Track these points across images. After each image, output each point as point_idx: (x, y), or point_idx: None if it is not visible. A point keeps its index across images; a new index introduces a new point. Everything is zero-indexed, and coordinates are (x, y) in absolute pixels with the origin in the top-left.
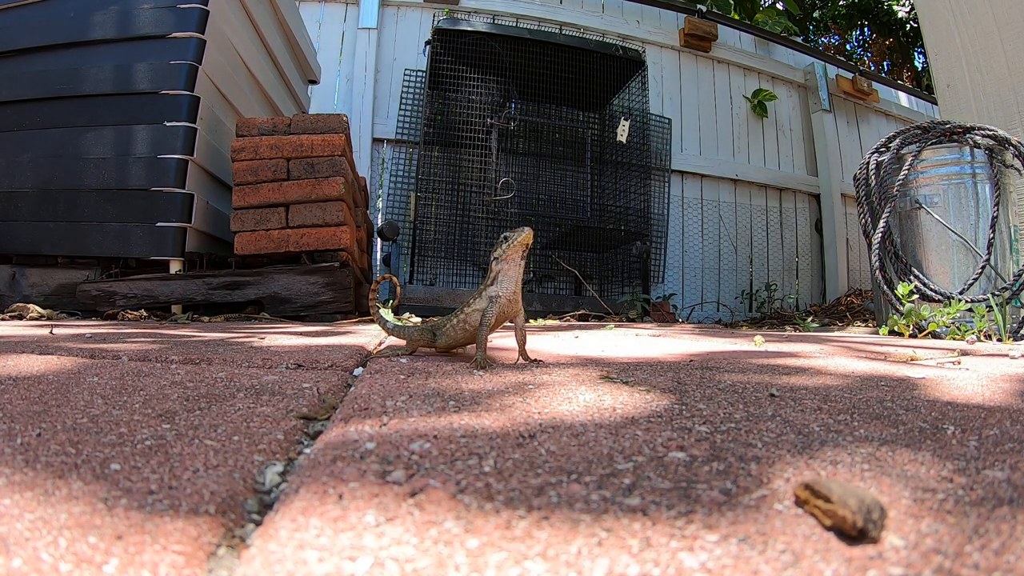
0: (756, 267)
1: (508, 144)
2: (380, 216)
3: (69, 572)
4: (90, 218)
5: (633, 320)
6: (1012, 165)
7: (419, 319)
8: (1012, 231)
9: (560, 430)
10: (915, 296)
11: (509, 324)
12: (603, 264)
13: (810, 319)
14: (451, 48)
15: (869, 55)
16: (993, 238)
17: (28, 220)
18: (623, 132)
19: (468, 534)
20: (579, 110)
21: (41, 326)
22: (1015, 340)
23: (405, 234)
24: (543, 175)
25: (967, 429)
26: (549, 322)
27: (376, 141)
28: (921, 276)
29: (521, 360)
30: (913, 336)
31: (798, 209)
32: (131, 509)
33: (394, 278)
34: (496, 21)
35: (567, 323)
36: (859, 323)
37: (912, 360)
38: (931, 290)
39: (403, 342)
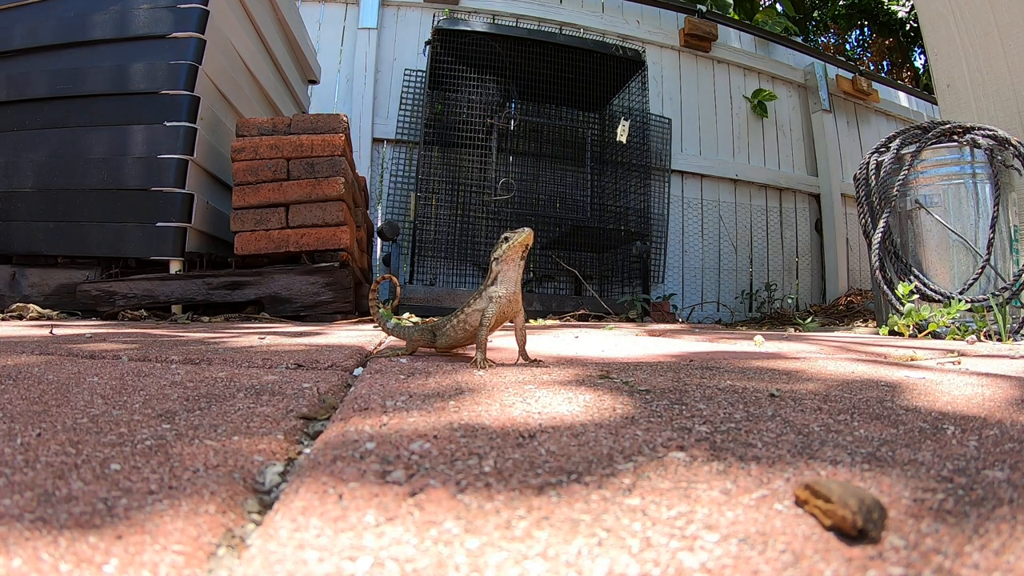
0: (756, 267)
1: (508, 144)
2: (380, 216)
3: (69, 572)
4: (90, 218)
5: (633, 320)
6: (1012, 165)
7: (419, 319)
8: (1012, 231)
9: (560, 430)
10: (915, 296)
11: (509, 324)
12: (603, 264)
13: (810, 319)
14: (451, 48)
15: (869, 55)
16: (993, 238)
17: (28, 220)
18: (623, 132)
19: (468, 534)
20: (579, 110)
21: (41, 326)
22: (1015, 340)
23: (405, 234)
24: (543, 175)
25: (967, 429)
26: (549, 322)
27: (376, 141)
28: (921, 276)
29: (521, 360)
30: (913, 336)
31: (798, 209)
32: (131, 509)
33: (394, 278)
34: (496, 21)
35: (567, 323)
36: (859, 323)
37: (912, 360)
38: (931, 290)
39: (403, 342)
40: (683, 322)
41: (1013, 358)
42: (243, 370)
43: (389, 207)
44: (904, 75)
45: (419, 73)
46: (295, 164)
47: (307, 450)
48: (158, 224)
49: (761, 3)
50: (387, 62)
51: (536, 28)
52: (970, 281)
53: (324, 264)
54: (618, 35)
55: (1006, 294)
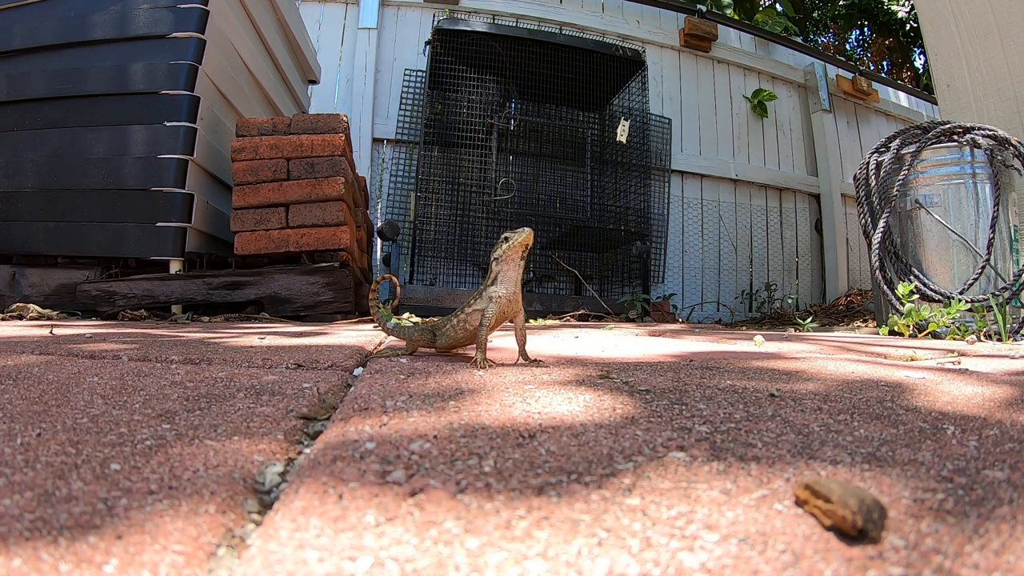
0: (756, 267)
1: (508, 144)
2: (380, 216)
3: (69, 572)
4: (90, 218)
5: (633, 320)
6: (1012, 165)
7: (419, 319)
8: (1012, 231)
9: (560, 430)
10: (915, 296)
11: (509, 324)
12: (603, 264)
13: (810, 319)
14: (451, 48)
15: (869, 55)
16: (993, 238)
17: (28, 220)
18: (623, 132)
19: (468, 534)
20: (579, 110)
21: (41, 326)
22: (1015, 340)
23: (405, 234)
24: (543, 175)
25: (967, 429)
26: (549, 322)
27: (376, 141)
28: (921, 276)
29: (521, 360)
30: (913, 336)
31: (798, 209)
32: (131, 509)
33: (394, 278)
34: (496, 21)
35: (567, 323)
36: (859, 323)
37: (912, 360)
38: (931, 290)
39: (403, 342)
40: (683, 322)
41: (1013, 358)
42: (243, 370)
43: (389, 207)
44: (904, 75)
45: (419, 73)
46: (295, 164)
47: (307, 450)
48: (158, 224)
49: (761, 3)
50: (387, 62)
51: (536, 28)
52: (970, 281)
53: (324, 264)
54: (618, 35)
55: (1006, 294)
